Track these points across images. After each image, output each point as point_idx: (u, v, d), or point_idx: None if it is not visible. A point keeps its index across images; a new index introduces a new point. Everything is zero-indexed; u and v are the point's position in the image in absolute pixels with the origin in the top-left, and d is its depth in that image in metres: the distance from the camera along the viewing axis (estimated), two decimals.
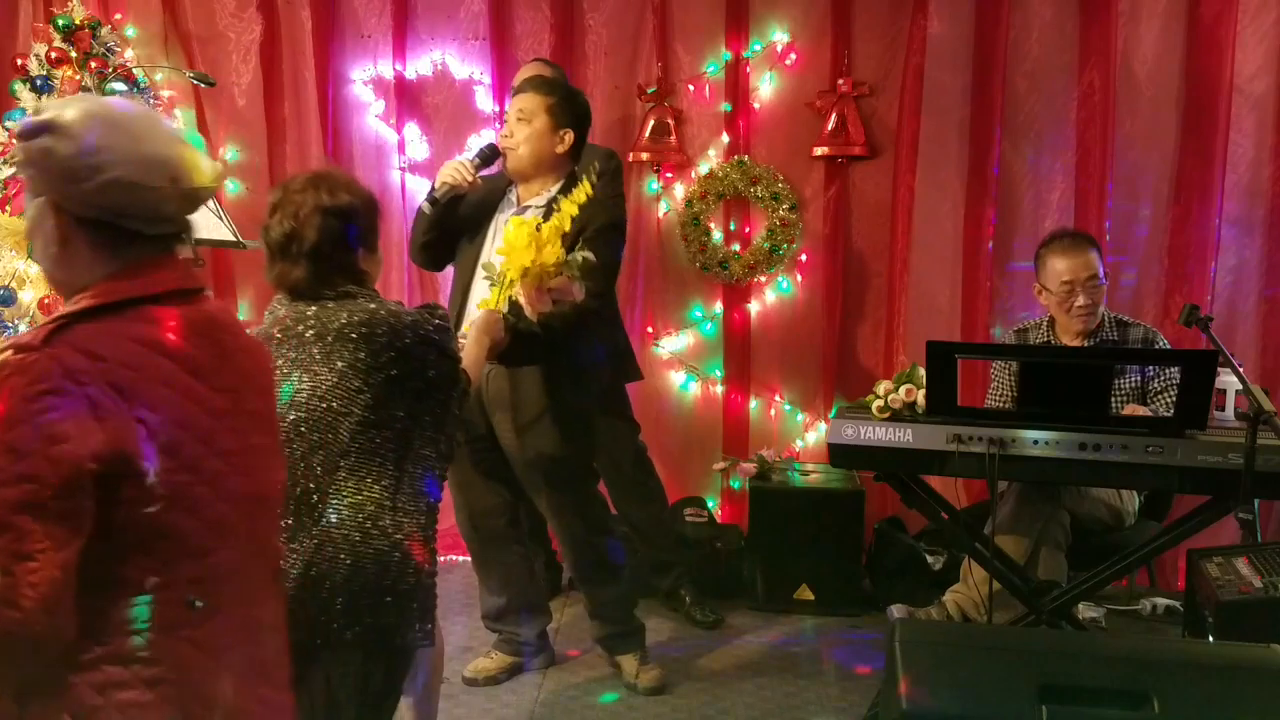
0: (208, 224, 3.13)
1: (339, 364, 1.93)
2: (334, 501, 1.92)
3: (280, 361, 1.97)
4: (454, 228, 3.15)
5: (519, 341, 2.71)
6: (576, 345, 3.04)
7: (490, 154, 3.13)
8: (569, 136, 3.07)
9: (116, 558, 1.27)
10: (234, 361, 1.43)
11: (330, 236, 2.00)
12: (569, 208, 2.70)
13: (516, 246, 2.64)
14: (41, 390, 1.20)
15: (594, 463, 3.34)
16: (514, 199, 3.14)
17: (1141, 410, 3.21)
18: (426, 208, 3.11)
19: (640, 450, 3.82)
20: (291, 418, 1.94)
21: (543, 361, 3.00)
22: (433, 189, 3.10)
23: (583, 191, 2.72)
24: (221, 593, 1.37)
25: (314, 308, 2.00)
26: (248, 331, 1.61)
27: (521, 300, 2.72)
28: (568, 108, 3.08)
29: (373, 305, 1.99)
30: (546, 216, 2.80)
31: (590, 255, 2.75)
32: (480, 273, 2.95)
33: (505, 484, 3.21)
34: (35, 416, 1.18)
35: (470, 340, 2.38)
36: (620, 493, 3.77)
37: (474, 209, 3.15)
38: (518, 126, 3.05)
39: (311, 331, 1.96)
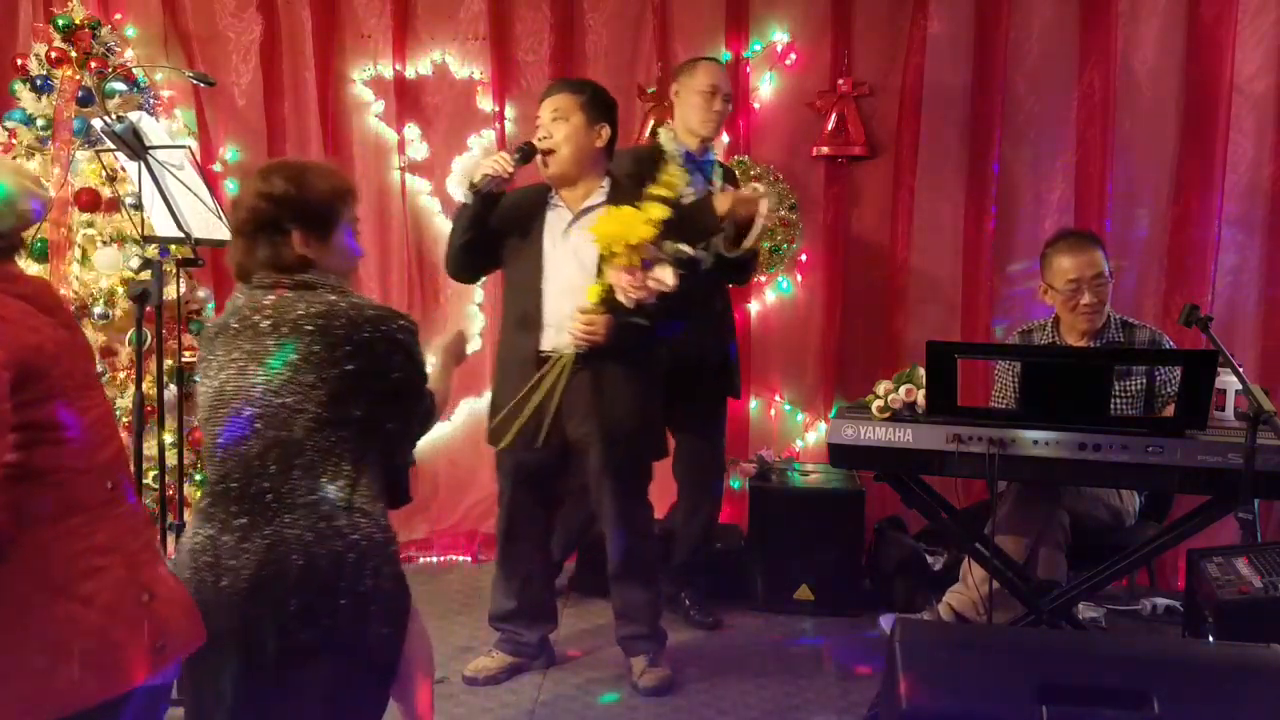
0: (207, 224, 3.13)
1: (293, 357, 1.87)
2: (288, 500, 1.87)
3: (236, 354, 1.92)
4: (491, 232, 3.11)
5: (627, 335, 2.93)
6: (664, 347, 3.20)
7: (529, 151, 3.08)
8: (605, 131, 3.10)
9: (51, 456, 1.51)
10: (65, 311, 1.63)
11: (259, 220, 1.96)
12: (662, 190, 2.92)
13: (606, 225, 2.84)
14: None
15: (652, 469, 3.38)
16: (559, 204, 3.13)
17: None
18: (467, 197, 3.06)
19: (720, 457, 3.86)
20: (248, 413, 1.88)
21: (638, 353, 3.09)
22: (472, 183, 3.05)
23: (665, 184, 2.92)
24: (123, 481, 1.61)
25: (271, 297, 1.94)
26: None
27: (618, 284, 2.87)
28: (601, 103, 3.11)
29: (333, 297, 1.93)
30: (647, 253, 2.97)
31: (685, 247, 2.90)
32: (550, 289, 3.05)
33: (550, 491, 3.22)
34: None
35: (439, 365, 2.32)
36: (691, 500, 3.79)
37: (512, 217, 3.11)
38: (554, 126, 3.06)
39: (268, 322, 1.90)
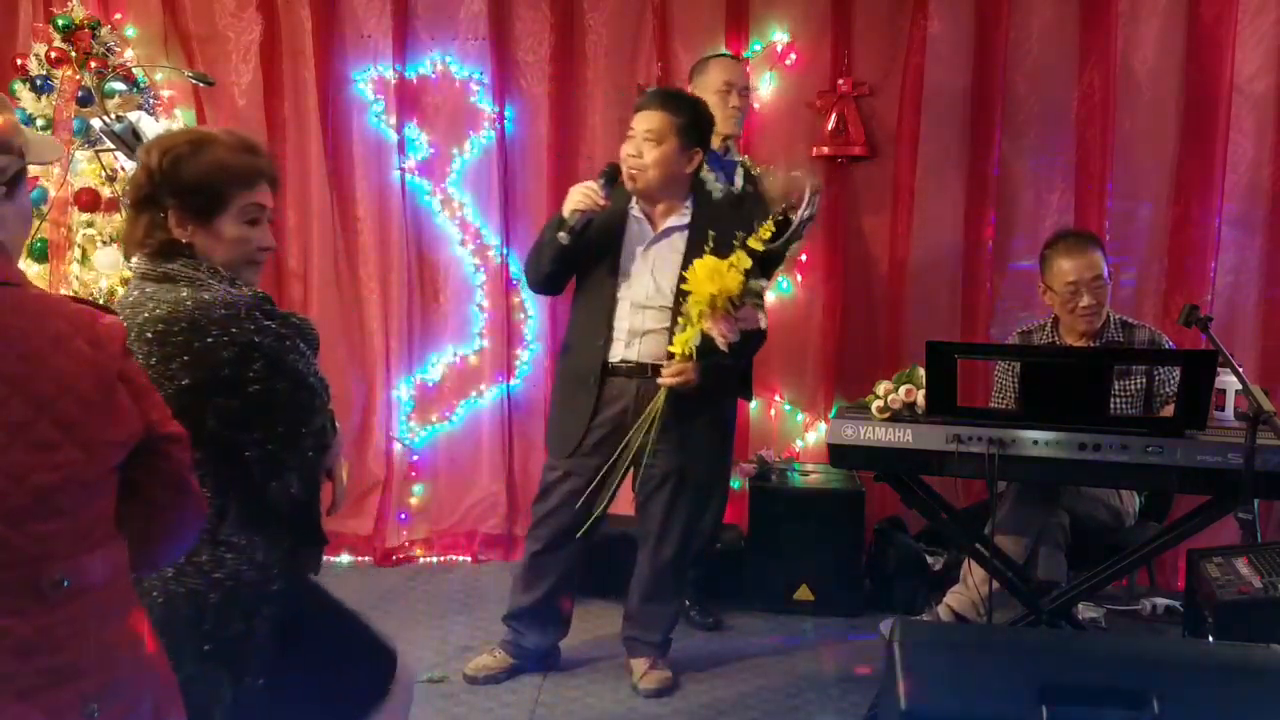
0: None
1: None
2: None
3: None
4: (577, 252, 3.09)
5: (712, 375, 3.02)
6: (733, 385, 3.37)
7: (614, 174, 3.06)
8: (698, 156, 3.10)
9: None
10: (19, 347, 1.32)
11: (137, 195, 1.82)
12: (756, 244, 2.91)
13: (701, 281, 2.88)
14: None
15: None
16: (640, 216, 3.12)
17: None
18: (564, 239, 2.99)
19: (728, 471, 3.87)
20: None
21: (719, 388, 3.19)
22: (561, 220, 3.02)
23: (766, 230, 2.92)
24: None
25: (135, 294, 1.78)
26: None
27: (713, 333, 2.92)
28: (698, 125, 3.08)
29: (184, 293, 1.72)
30: (693, 235, 3.04)
31: (765, 282, 2.99)
32: (624, 301, 3.09)
33: (590, 505, 3.15)
34: None
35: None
36: (711, 506, 3.80)
37: (595, 233, 3.09)
38: (646, 147, 3.02)
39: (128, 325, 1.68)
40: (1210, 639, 2.55)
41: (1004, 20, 4.17)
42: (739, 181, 3.57)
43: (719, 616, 3.80)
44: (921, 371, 2.91)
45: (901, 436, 2.85)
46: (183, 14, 4.42)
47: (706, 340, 2.96)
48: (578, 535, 3.16)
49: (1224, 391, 2.91)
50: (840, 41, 4.27)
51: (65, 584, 1.34)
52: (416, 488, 4.56)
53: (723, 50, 4.14)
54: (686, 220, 3.11)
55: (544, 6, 4.34)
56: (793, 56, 4.32)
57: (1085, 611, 3.70)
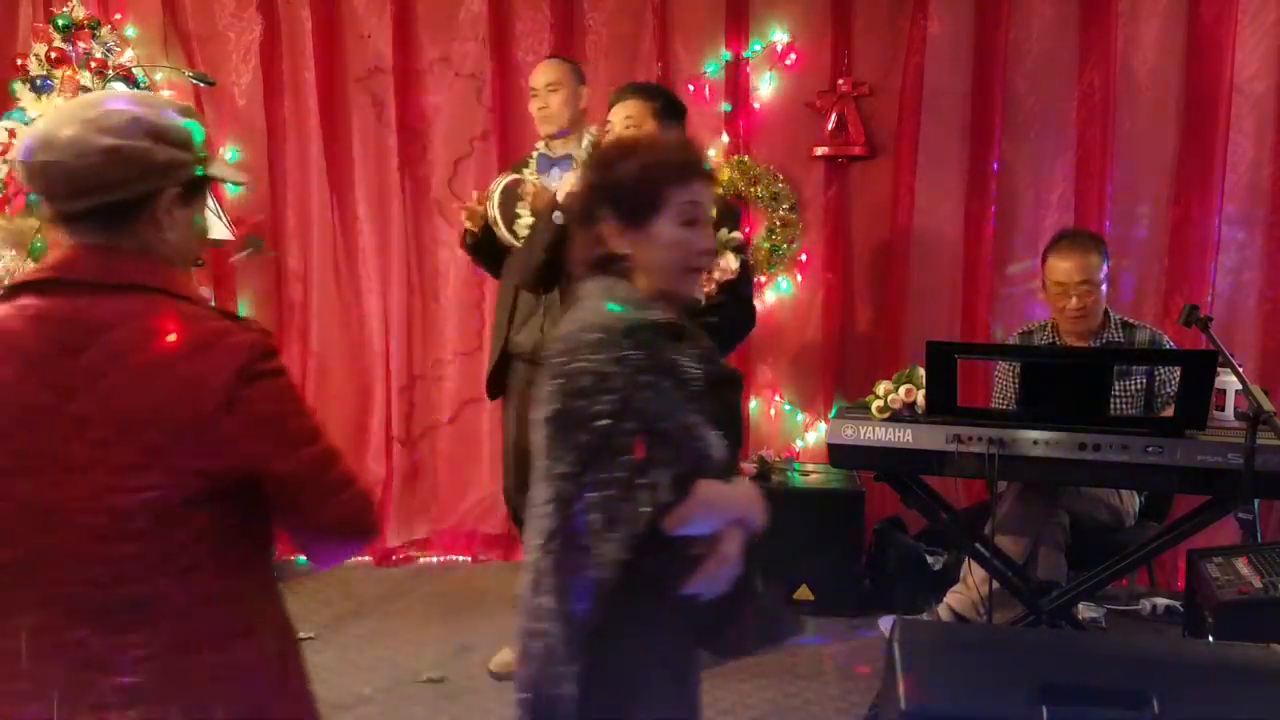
0: (207, 224, 3.13)
1: None
2: None
3: None
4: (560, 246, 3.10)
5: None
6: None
7: None
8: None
9: None
10: (84, 358, 1.31)
11: (576, 215, 1.78)
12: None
13: None
14: None
15: None
16: None
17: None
18: (559, 218, 2.92)
19: None
20: None
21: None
22: (556, 203, 2.99)
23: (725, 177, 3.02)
24: (14, 597, 1.34)
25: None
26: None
27: None
28: (671, 108, 3.17)
29: (580, 314, 1.65)
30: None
31: (739, 236, 2.94)
32: None
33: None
34: None
35: None
36: None
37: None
38: (628, 135, 3.04)
39: None
40: (1210, 639, 2.55)
41: (1004, 20, 4.16)
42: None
43: None
44: (921, 371, 2.91)
45: (901, 436, 2.85)
46: (183, 14, 4.42)
47: (710, 330, 2.94)
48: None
49: (1224, 391, 2.91)
50: (840, 41, 4.27)
51: (145, 605, 1.33)
52: (416, 488, 4.56)
53: (721, 51, 4.13)
54: None
55: (544, 7, 4.34)
56: (793, 56, 4.32)
57: (1085, 611, 3.70)
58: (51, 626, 1.32)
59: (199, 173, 1.43)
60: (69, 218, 1.37)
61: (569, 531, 1.56)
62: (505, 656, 3.31)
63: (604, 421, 1.52)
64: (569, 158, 3.51)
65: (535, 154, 3.51)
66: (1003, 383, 3.51)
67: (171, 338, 1.33)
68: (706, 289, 2.91)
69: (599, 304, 1.62)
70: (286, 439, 1.37)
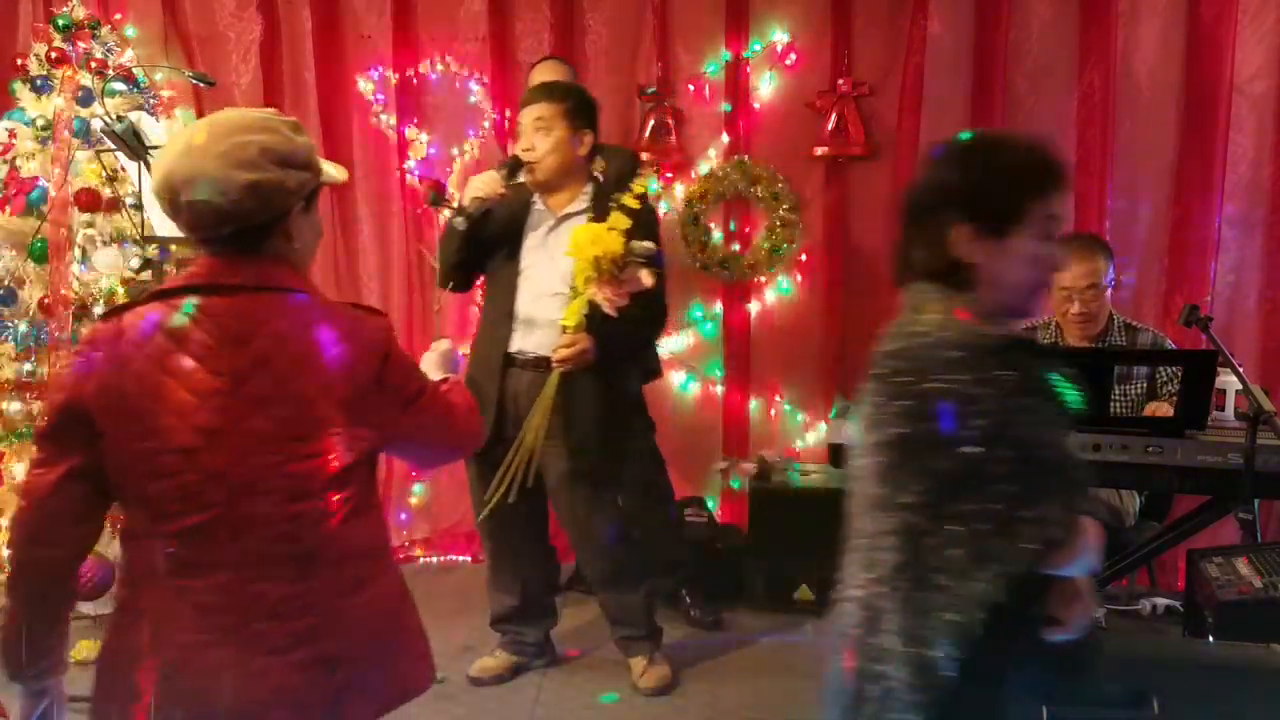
0: None
1: None
2: None
3: None
4: (483, 244, 3.11)
5: (606, 345, 2.96)
6: (632, 363, 3.19)
7: (516, 164, 3.09)
8: (589, 138, 3.11)
9: (123, 502, 1.57)
10: (252, 348, 1.52)
11: (914, 211, 1.71)
12: (630, 201, 2.88)
13: (583, 246, 2.84)
14: (76, 349, 1.60)
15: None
16: (544, 209, 3.14)
17: (1164, 409, 3.18)
18: (460, 224, 3.04)
19: (654, 449, 3.82)
20: None
21: (628, 361, 3.16)
22: (461, 206, 3.06)
23: (640, 186, 2.93)
24: (205, 555, 1.52)
25: (893, 327, 1.71)
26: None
27: (599, 299, 2.87)
28: (582, 109, 3.11)
29: (923, 328, 1.58)
30: (593, 219, 2.99)
31: (651, 244, 2.89)
32: (525, 291, 3.07)
33: (528, 487, 3.16)
34: (65, 368, 1.63)
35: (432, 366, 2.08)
36: (633, 493, 3.76)
37: (500, 224, 3.12)
38: (538, 138, 3.05)
39: None
40: (1210, 639, 2.55)
41: (1004, 20, 4.16)
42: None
43: (719, 616, 3.80)
44: None
45: None
46: (183, 14, 4.42)
47: (611, 322, 2.91)
48: (476, 523, 3.22)
49: (1224, 391, 2.91)
50: (840, 41, 4.27)
51: (315, 556, 1.55)
52: (416, 487, 4.56)
53: (721, 52, 4.13)
54: (585, 205, 3.10)
55: (544, 6, 4.34)
56: (793, 56, 4.32)
57: None
58: (235, 581, 1.52)
59: (318, 182, 1.63)
60: (210, 241, 1.56)
61: (921, 568, 1.42)
62: (487, 662, 3.30)
63: (972, 448, 1.37)
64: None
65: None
66: None
67: (324, 327, 1.56)
68: (620, 303, 2.89)
69: (942, 317, 1.48)
70: (416, 402, 1.66)
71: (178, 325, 1.52)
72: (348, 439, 1.56)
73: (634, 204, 2.88)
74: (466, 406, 1.79)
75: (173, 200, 1.53)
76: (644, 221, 2.98)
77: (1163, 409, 3.17)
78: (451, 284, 3.21)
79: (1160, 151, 4.16)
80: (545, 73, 3.65)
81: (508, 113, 4.37)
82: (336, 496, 1.56)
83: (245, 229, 1.54)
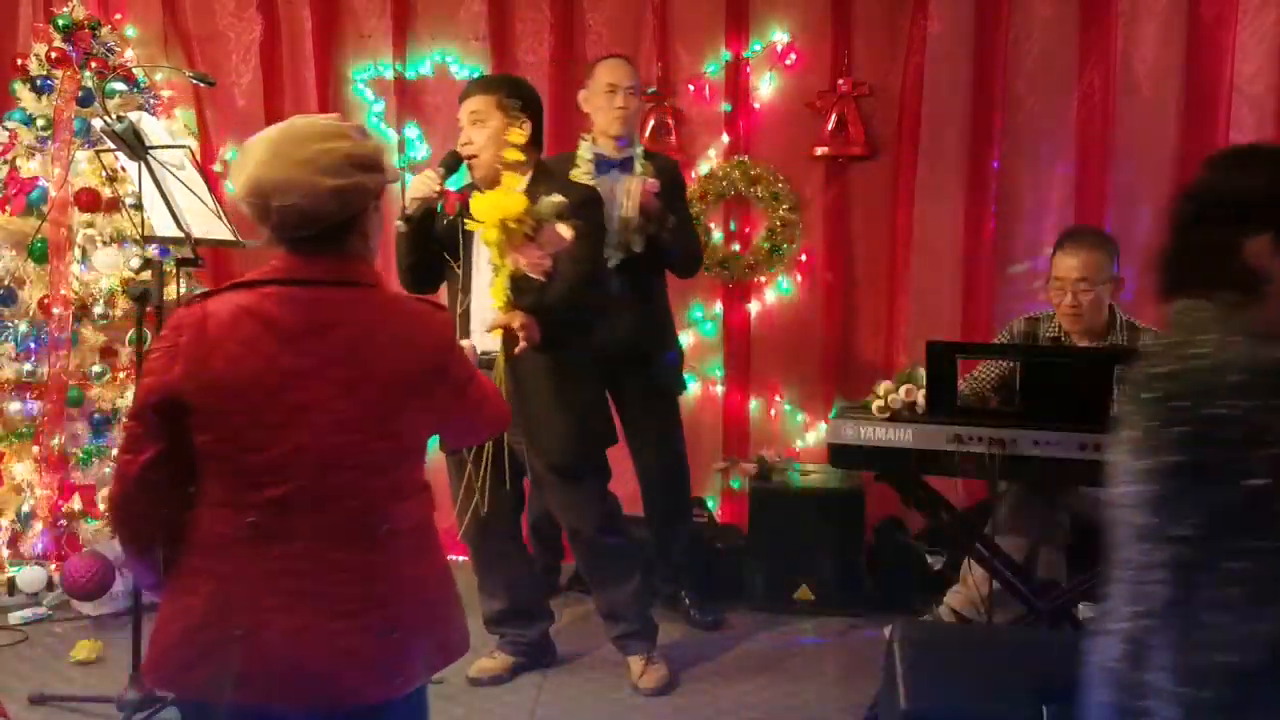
0: (207, 224, 3.12)
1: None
2: None
3: None
4: (435, 246, 3.10)
5: (543, 321, 2.84)
6: (584, 336, 3.09)
7: (453, 161, 3.06)
8: (527, 126, 3.04)
9: (205, 472, 1.68)
10: (335, 334, 1.66)
11: (1198, 215, 1.53)
12: (516, 137, 2.89)
13: (485, 214, 2.75)
14: (159, 336, 1.72)
15: (604, 461, 3.27)
16: None
17: None
18: (401, 227, 3.05)
19: (683, 463, 3.84)
20: None
21: (576, 339, 3.03)
22: (404, 208, 3.06)
23: (517, 135, 2.91)
24: (284, 524, 1.64)
25: (1156, 340, 1.65)
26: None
27: (522, 265, 2.78)
28: (517, 98, 3.05)
29: (1201, 349, 1.42)
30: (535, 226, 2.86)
31: (559, 199, 2.80)
32: (474, 290, 3.02)
33: (510, 485, 3.18)
34: (151, 353, 1.71)
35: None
36: (660, 507, 3.79)
37: (451, 226, 3.07)
38: (474, 131, 3.02)
39: None
40: None
41: (1004, 20, 4.16)
42: (637, 168, 3.53)
43: (719, 616, 3.80)
44: (921, 371, 2.91)
45: (901, 436, 2.85)
46: (183, 14, 4.42)
47: (521, 280, 2.82)
48: (507, 525, 3.24)
49: None
50: (840, 41, 4.27)
51: (385, 527, 1.68)
52: None
53: (721, 52, 4.14)
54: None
55: (544, 7, 4.34)
56: (793, 56, 4.31)
57: (1085, 611, 3.69)
58: (312, 549, 1.64)
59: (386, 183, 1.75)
60: (293, 241, 1.68)
61: (1194, 604, 1.33)
62: (486, 663, 3.30)
63: (1258, 480, 1.30)
64: (631, 160, 3.54)
65: (589, 155, 3.50)
66: (986, 368, 3.49)
67: (398, 319, 1.71)
68: (544, 265, 2.78)
69: (1221, 337, 1.37)
70: (468, 388, 1.82)
71: (265, 312, 1.64)
72: (417, 421, 1.72)
73: (517, 156, 2.89)
74: (494, 392, 1.98)
75: (262, 205, 1.64)
76: (670, 182, 3.09)
77: None
78: (411, 285, 3.16)
79: (1160, 152, 4.16)
80: (610, 72, 3.61)
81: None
82: (405, 474, 1.73)
83: (327, 228, 1.66)
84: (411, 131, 4.44)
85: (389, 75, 4.41)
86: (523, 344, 2.88)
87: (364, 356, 1.66)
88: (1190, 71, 4.10)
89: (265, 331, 1.64)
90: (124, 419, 1.74)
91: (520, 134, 2.96)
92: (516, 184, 2.84)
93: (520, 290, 2.86)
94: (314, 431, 1.63)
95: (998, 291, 4.29)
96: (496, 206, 2.76)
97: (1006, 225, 4.27)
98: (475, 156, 3.03)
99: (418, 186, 3.04)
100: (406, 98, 4.42)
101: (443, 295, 3.24)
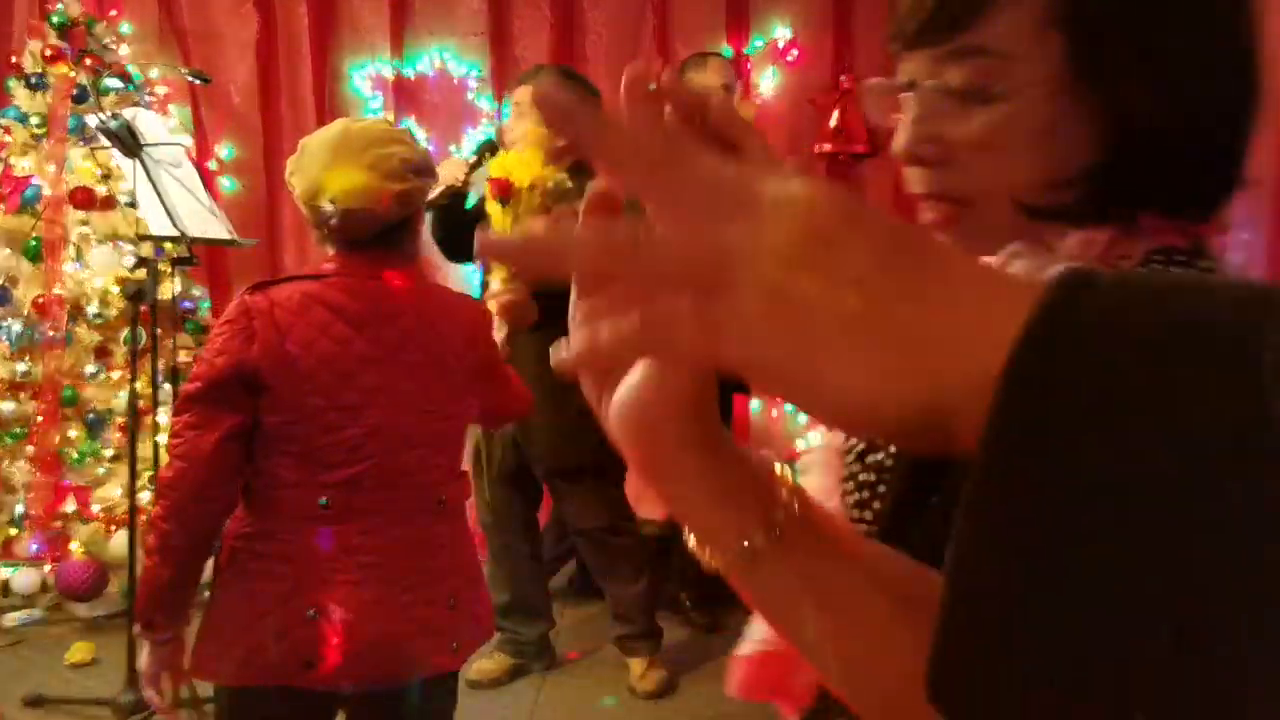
0: (203, 222, 3.10)
1: None
2: None
3: None
4: (464, 227, 3.08)
5: (542, 302, 2.73)
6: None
7: (490, 149, 3.08)
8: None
9: (271, 454, 1.71)
10: (400, 323, 1.75)
11: None
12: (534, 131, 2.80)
13: (514, 168, 2.67)
14: (228, 319, 1.72)
15: (605, 461, 3.23)
16: None
17: None
18: (426, 209, 3.07)
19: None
20: None
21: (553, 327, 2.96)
22: (429, 200, 3.06)
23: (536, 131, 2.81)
24: (355, 502, 1.70)
25: None
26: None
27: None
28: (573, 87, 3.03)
29: None
30: (555, 200, 2.78)
31: (572, 183, 2.76)
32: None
33: (525, 481, 3.21)
34: (217, 336, 1.70)
35: None
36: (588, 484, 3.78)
37: (478, 212, 3.07)
38: (516, 122, 3.03)
39: None
40: None
41: None
42: None
43: (719, 616, 3.77)
44: None
45: None
46: (178, 10, 4.40)
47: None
48: (519, 521, 3.26)
49: None
50: (842, 38, 4.25)
51: (443, 506, 1.78)
52: None
53: (722, 48, 4.11)
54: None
55: (543, 4, 4.32)
56: (794, 53, 4.29)
57: None
58: (382, 525, 1.71)
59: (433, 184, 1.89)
60: (355, 242, 1.75)
61: None
62: (484, 665, 3.28)
63: None
64: None
65: None
66: None
67: (452, 309, 1.84)
68: None
69: None
70: (500, 370, 1.95)
71: (333, 300, 1.72)
72: (468, 403, 1.85)
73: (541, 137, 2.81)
74: (518, 383, 2.07)
75: (326, 209, 1.72)
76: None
77: None
78: (447, 254, 3.26)
79: None
80: (707, 72, 3.59)
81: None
82: (458, 454, 1.86)
83: (385, 229, 1.75)
84: (409, 129, 4.41)
85: (387, 72, 4.39)
86: (516, 321, 2.74)
87: (428, 342, 1.77)
88: None
89: (335, 318, 1.71)
90: (181, 401, 1.73)
91: (538, 132, 2.91)
92: (540, 158, 2.77)
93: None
94: (386, 413, 1.71)
95: None
96: (520, 169, 2.72)
97: None
98: (515, 146, 3.00)
99: (444, 173, 3.02)
100: (404, 94, 4.40)
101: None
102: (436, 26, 4.39)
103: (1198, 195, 0.73)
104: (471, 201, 3.11)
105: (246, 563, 1.71)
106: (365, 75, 4.41)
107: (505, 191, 2.67)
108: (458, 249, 3.23)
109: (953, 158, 0.74)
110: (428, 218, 3.11)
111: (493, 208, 2.73)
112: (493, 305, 2.77)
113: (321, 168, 1.72)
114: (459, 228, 3.10)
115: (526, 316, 2.76)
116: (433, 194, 3.00)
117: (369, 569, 1.69)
